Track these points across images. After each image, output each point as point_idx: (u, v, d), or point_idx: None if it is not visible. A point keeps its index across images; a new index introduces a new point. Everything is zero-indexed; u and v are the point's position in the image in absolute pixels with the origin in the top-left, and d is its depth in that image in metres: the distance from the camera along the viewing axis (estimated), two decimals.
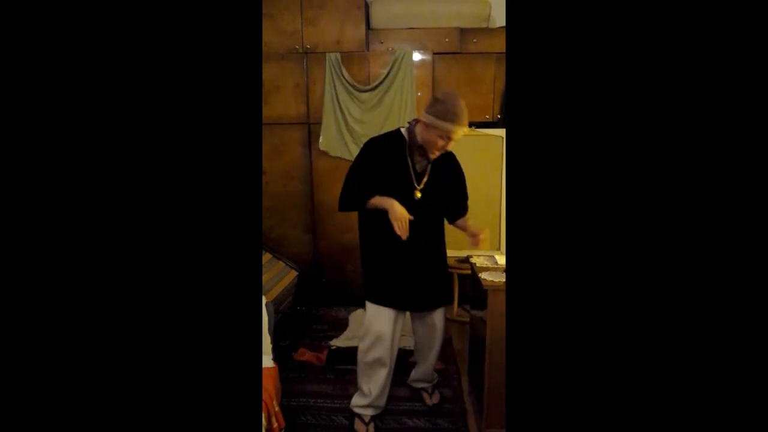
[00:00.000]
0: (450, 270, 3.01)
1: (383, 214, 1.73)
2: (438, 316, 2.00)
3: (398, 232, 1.69)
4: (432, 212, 1.86)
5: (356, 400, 2.01)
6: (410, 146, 1.81)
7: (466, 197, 1.99)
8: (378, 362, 1.91)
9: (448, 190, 1.90)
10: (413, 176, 1.81)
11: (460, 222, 1.97)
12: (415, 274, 1.87)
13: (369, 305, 1.91)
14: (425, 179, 1.83)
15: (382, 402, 2.00)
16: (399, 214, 1.69)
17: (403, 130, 1.85)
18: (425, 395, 2.19)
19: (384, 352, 1.89)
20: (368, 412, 1.99)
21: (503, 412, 1.86)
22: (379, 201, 1.76)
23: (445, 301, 2.02)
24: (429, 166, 1.83)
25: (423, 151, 1.77)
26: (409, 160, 1.81)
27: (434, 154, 1.76)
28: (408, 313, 2.00)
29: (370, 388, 1.95)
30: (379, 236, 1.84)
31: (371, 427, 1.98)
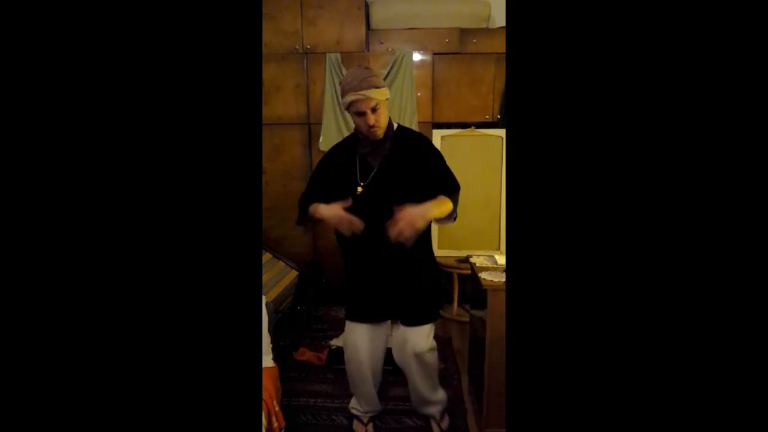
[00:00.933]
0: (449, 270, 3.03)
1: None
2: (413, 334, 1.70)
3: (342, 230, 1.52)
4: (382, 206, 1.53)
5: (353, 403, 2.02)
6: (360, 145, 1.65)
7: (445, 177, 1.66)
8: (358, 377, 1.87)
9: (408, 177, 1.62)
10: (357, 173, 1.64)
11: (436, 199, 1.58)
12: (382, 278, 1.67)
13: (346, 323, 1.83)
14: (373, 173, 1.63)
15: (376, 406, 1.99)
16: (333, 217, 1.53)
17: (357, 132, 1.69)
18: (433, 424, 1.95)
19: (360, 370, 1.82)
20: (366, 415, 2.00)
21: (503, 411, 1.86)
22: (313, 209, 1.62)
23: (424, 318, 1.71)
24: (383, 158, 1.63)
25: (368, 141, 1.61)
26: (357, 158, 1.65)
27: (373, 134, 1.57)
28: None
29: (359, 396, 1.96)
30: (344, 248, 1.74)
31: (370, 427, 1.98)
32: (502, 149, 3.10)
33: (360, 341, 1.77)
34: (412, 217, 1.44)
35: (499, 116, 3.13)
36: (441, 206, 1.54)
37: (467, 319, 2.89)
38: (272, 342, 1.82)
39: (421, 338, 1.71)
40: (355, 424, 1.98)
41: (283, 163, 3.23)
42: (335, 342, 2.76)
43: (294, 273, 3.06)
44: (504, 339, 1.79)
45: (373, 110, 1.53)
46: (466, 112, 3.15)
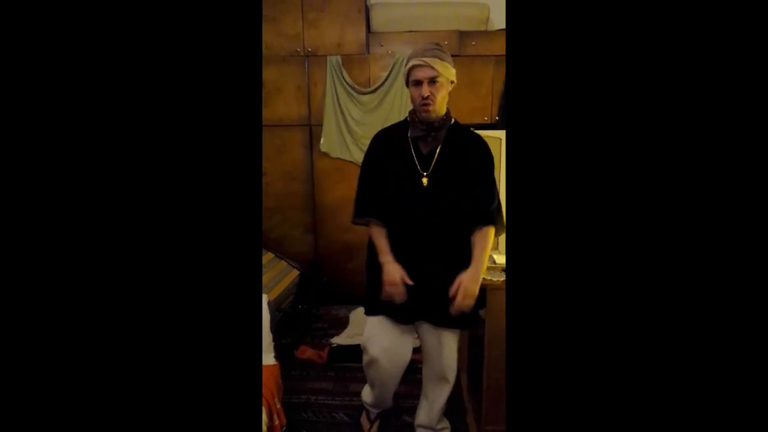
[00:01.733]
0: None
1: (387, 211, 1.53)
2: (446, 339, 1.59)
3: (386, 297, 1.45)
4: (446, 202, 1.49)
5: (364, 394, 1.94)
6: (412, 128, 1.53)
7: (493, 196, 1.53)
8: (378, 377, 1.71)
9: (466, 176, 1.50)
10: (416, 161, 1.50)
11: (476, 237, 1.51)
12: (422, 278, 1.51)
13: (367, 319, 1.65)
14: (433, 164, 1.50)
15: (388, 404, 1.91)
16: (391, 278, 1.44)
17: (408, 116, 1.59)
18: None
19: (382, 368, 1.64)
20: (374, 410, 1.95)
21: (502, 409, 1.88)
22: (379, 244, 1.53)
23: (461, 324, 1.58)
24: (438, 150, 1.51)
25: (424, 129, 1.50)
26: (410, 143, 1.53)
27: (425, 110, 1.45)
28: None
29: (373, 392, 1.86)
30: (372, 245, 1.61)
31: (375, 425, 1.94)
32: (501, 150, 3.12)
33: (390, 340, 1.58)
34: (466, 288, 1.43)
35: (497, 117, 3.15)
36: (486, 249, 1.49)
37: None
38: (274, 340, 1.85)
39: (451, 343, 1.60)
40: (363, 417, 1.95)
41: (284, 164, 3.25)
42: (336, 340, 2.78)
43: (295, 272, 3.08)
44: (503, 338, 1.81)
45: (431, 82, 1.42)
46: (465, 113, 3.17)
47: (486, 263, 1.51)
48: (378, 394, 1.81)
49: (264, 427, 1.55)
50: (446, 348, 1.62)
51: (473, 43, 3.10)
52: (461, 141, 1.54)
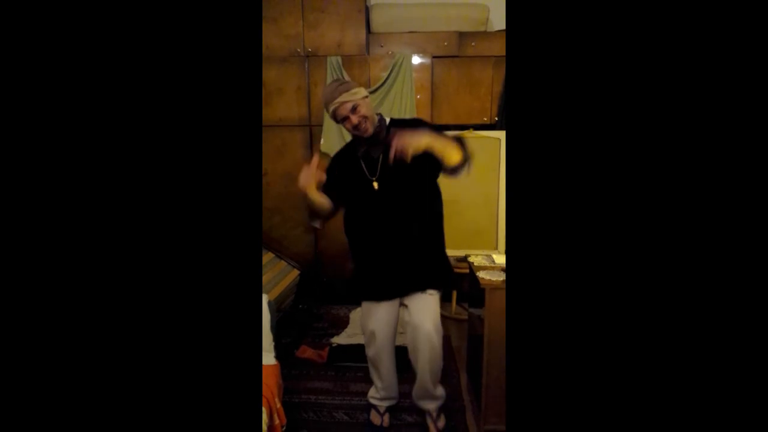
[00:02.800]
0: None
1: (349, 213, 1.80)
2: (424, 306, 1.77)
3: (306, 186, 1.62)
4: (399, 197, 1.71)
5: (371, 392, 2.06)
6: (359, 147, 1.76)
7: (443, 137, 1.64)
8: (377, 358, 1.93)
9: (415, 164, 1.58)
10: (365, 170, 1.74)
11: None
12: (392, 260, 1.75)
13: (362, 304, 1.92)
14: (379, 169, 1.72)
15: (394, 392, 2.02)
16: (302, 182, 1.63)
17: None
18: (429, 421, 1.95)
19: (378, 348, 1.89)
20: (383, 404, 2.03)
21: (501, 409, 1.89)
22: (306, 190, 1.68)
23: (433, 284, 1.79)
24: (382, 153, 1.70)
25: (369, 142, 1.70)
26: (360, 157, 1.75)
27: (364, 131, 1.66)
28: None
29: (379, 382, 2.00)
30: (351, 233, 1.85)
31: (386, 417, 2.02)
32: (500, 151, 3.13)
33: (375, 320, 1.85)
34: (404, 136, 1.47)
35: (497, 118, 3.16)
36: (440, 138, 1.55)
37: (465, 317, 2.93)
38: (274, 340, 1.86)
39: (430, 315, 1.76)
40: (372, 414, 2.03)
41: (284, 165, 3.26)
42: (336, 340, 2.79)
43: (295, 272, 3.09)
44: (502, 337, 1.82)
45: (353, 110, 1.63)
46: (464, 114, 3.19)
47: (433, 141, 1.52)
48: (382, 378, 1.97)
49: (264, 427, 1.56)
50: (419, 306, 1.78)
51: (473, 43, 3.11)
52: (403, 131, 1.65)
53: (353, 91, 1.63)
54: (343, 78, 1.79)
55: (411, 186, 1.71)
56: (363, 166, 1.75)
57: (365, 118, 1.65)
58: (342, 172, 1.79)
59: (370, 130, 1.67)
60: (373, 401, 2.05)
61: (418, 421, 2.04)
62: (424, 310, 1.77)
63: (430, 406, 1.94)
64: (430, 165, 1.63)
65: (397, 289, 1.81)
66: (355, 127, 1.65)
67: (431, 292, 1.79)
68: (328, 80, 3.10)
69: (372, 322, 1.86)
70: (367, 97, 1.67)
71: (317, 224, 1.91)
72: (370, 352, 1.94)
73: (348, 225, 1.85)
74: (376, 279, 1.82)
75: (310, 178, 1.62)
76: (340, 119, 1.67)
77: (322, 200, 1.74)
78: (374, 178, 1.73)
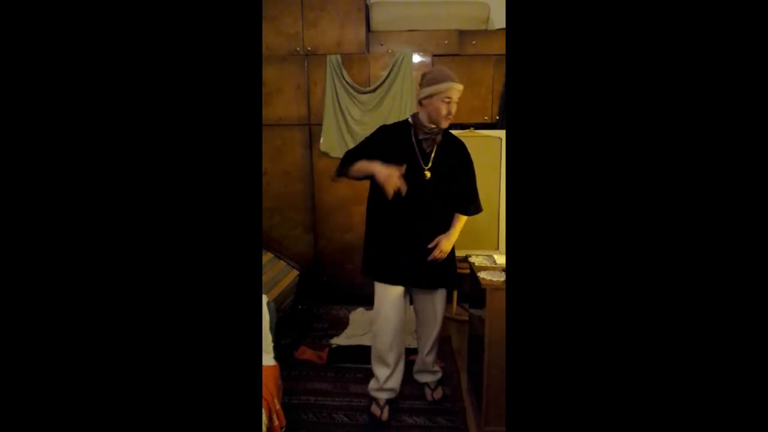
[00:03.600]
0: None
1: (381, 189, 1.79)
2: (438, 300, 2.02)
3: (389, 191, 1.74)
4: (441, 192, 1.90)
5: (371, 385, 2.08)
6: (416, 131, 1.88)
7: (472, 190, 1.98)
8: (385, 346, 1.97)
9: (455, 173, 1.92)
10: (420, 157, 1.87)
11: (457, 217, 1.95)
12: (418, 252, 1.90)
13: (377, 285, 1.97)
14: (431, 161, 1.88)
15: (395, 384, 2.04)
16: (385, 175, 1.74)
17: (409, 119, 1.93)
18: (427, 390, 2.21)
19: (391, 335, 1.96)
20: (383, 396, 2.04)
21: (502, 409, 1.88)
22: (365, 165, 1.81)
23: (447, 284, 2.03)
24: (435, 149, 1.88)
25: (428, 133, 1.86)
26: (415, 143, 1.88)
27: (444, 123, 1.82)
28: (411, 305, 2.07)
29: (381, 373, 2.02)
30: (387, 215, 1.90)
31: (386, 410, 2.03)
32: (501, 150, 3.12)
33: (392, 306, 1.95)
34: (442, 244, 1.89)
35: (497, 117, 3.15)
36: (459, 227, 1.95)
37: (466, 318, 2.92)
38: (273, 341, 1.84)
39: (442, 301, 2.04)
40: (373, 407, 2.05)
41: (284, 164, 3.25)
42: (336, 341, 2.78)
43: (295, 272, 3.08)
44: (503, 338, 1.81)
45: (452, 100, 1.79)
46: (465, 113, 3.16)
47: (457, 236, 1.94)
48: (391, 365, 2.01)
49: (263, 428, 1.55)
50: (433, 303, 2.03)
51: (473, 42, 3.10)
52: (449, 143, 1.93)
53: (458, 83, 1.79)
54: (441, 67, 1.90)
55: (450, 187, 1.92)
56: (417, 152, 1.88)
57: (451, 114, 1.82)
58: (394, 148, 1.87)
59: (446, 124, 1.85)
60: (373, 393, 2.07)
61: (418, 423, 2.03)
62: (436, 306, 2.02)
63: (429, 379, 2.21)
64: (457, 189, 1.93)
65: (415, 279, 1.95)
66: (447, 114, 1.80)
67: (441, 290, 2.01)
68: (328, 79, 3.09)
69: (390, 306, 1.95)
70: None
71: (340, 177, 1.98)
72: (383, 338, 1.98)
73: (382, 202, 1.85)
74: (406, 265, 1.91)
75: (397, 181, 1.75)
76: (444, 98, 1.78)
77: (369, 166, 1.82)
78: (427, 168, 1.87)
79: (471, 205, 1.97)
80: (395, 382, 2.04)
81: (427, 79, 1.81)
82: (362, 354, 2.57)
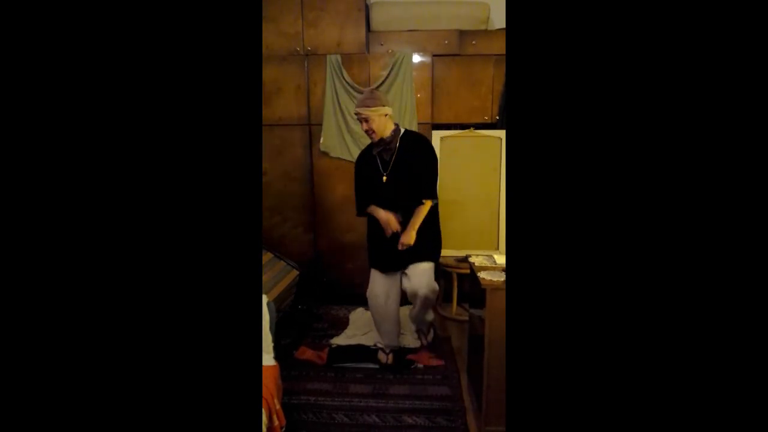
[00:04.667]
0: (449, 269, 3.06)
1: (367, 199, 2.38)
2: (415, 274, 2.42)
3: (387, 232, 2.33)
4: (402, 191, 2.34)
5: (375, 338, 2.64)
6: (374, 147, 2.39)
7: (430, 180, 2.37)
8: (379, 317, 2.54)
9: (414, 170, 2.34)
10: (380, 166, 2.39)
11: (416, 210, 2.34)
12: (391, 242, 2.35)
13: (371, 272, 2.54)
14: (390, 166, 2.37)
15: (394, 342, 2.57)
16: (384, 221, 2.34)
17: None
18: (421, 336, 2.70)
19: (378, 306, 2.51)
20: (387, 345, 2.54)
21: (502, 409, 1.88)
22: (373, 211, 2.39)
23: (422, 257, 2.41)
24: (394, 155, 2.35)
25: (380, 145, 2.34)
26: (375, 157, 2.39)
27: (370, 137, 2.34)
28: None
29: (380, 334, 2.58)
30: (370, 221, 2.46)
31: (390, 356, 2.51)
32: (501, 150, 3.12)
33: (380, 287, 2.50)
34: (403, 240, 2.32)
35: (498, 117, 3.15)
36: (420, 216, 2.35)
37: (466, 318, 2.92)
38: (273, 341, 1.84)
39: (419, 271, 2.41)
40: (379, 353, 2.53)
41: (284, 164, 3.25)
42: (336, 341, 2.78)
43: (295, 272, 3.07)
44: (503, 338, 1.81)
45: (366, 121, 2.29)
46: (465, 113, 3.17)
47: (418, 225, 2.33)
48: (384, 331, 2.57)
49: (263, 428, 1.55)
50: (417, 274, 2.42)
51: (473, 42, 3.10)
52: (410, 144, 2.38)
53: (373, 108, 2.25)
54: (370, 92, 2.37)
55: (410, 182, 2.34)
56: (378, 162, 2.39)
57: (372, 130, 2.30)
58: (363, 166, 2.45)
59: (377, 137, 2.32)
60: (378, 345, 2.58)
61: (417, 423, 2.04)
62: (420, 276, 2.40)
63: (422, 326, 2.68)
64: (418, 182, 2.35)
65: (400, 262, 2.42)
66: (365, 131, 2.33)
67: (426, 263, 2.41)
68: (328, 79, 3.09)
69: (376, 285, 2.51)
70: (387, 114, 2.30)
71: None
72: (375, 315, 2.57)
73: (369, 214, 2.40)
74: (384, 253, 2.43)
75: (394, 227, 2.31)
76: (358, 120, 2.33)
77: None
78: (385, 173, 2.37)
79: (430, 190, 2.37)
80: (389, 340, 2.56)
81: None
82: (362, 354, 2.57)
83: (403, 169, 2.33)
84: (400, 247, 2.30)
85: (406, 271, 2.44)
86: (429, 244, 2.44)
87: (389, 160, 2.36)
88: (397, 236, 2.33)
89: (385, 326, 2.55)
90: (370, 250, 2.55)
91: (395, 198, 2.35)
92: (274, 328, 1.85)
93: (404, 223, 2.35)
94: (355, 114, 2.31)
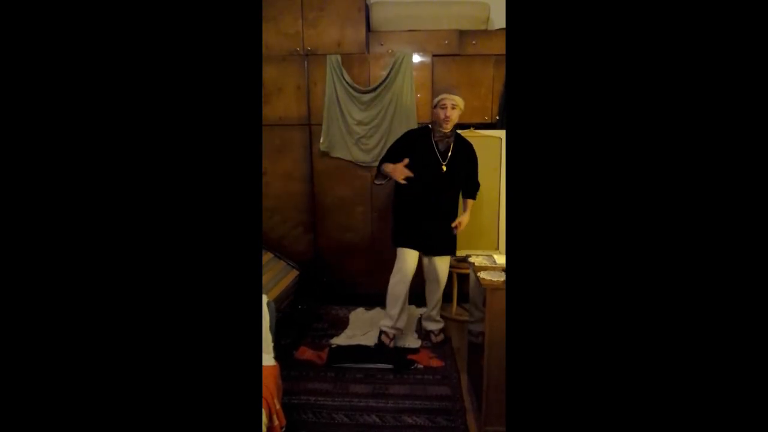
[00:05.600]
0: (449, 270, 3.06)
1: (415, 181, 2.47)
2: (442, 265, 2.68)
3: (399, 180, 2.46)
4: (454, 182, 2.58)
5: (383, 323, 2.71)
6: (434, 134, 2.55)
7: (476, 181, 2.68)
8: (402, 293, 2.64)
9: (465, 169, 2.60)
10: (438, 155, 2.54)
11: (467, 202, 2.65)
12: (433, 227, 2.57)
13: (399, 251, 2.65)
14: (448, 158, 2.54)
15: (402, 325, 2.69)
16: (391, 169, 2.50)
17: (429, 125, 2.62)
18: (432, 336, 2.81)
19: (406, 285, 2.64)
20: (392, 332, 2.68)
21: (502, 409, 1.88)
22: (386, 167, 2.55)
23: (450, 252, 2.70)
24: (450, 149, 2.54)
25: (442, 135, 2.51)
26: (434, 144, 2.54)
27: (445, 127, 2.47)
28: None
29: (394, 313, 2.65)
30: (410, 198, 2.58)
31: (394, 341, 2.70)
32: (501, 150, 3.12)
33: (410, 265, 2.64)
34: (462, 221, 2.58)
35: (498, 117, 3.15)
36: (471, 207, 2.68)
37: (466, 318, 2.92)
38: (273, 341, 1.84)
39: (446, 266, 2.72)
40: (383, 336, 2.69)
41: (284, 164, 3.25)
42: (336, 341, 2.78)
43: (295, 272, 3.08)
44: (503, 338, 1.81)
45: (452, 107, 2.44)
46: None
47: (469, 215, 2.63)
48: (397, 313, 2.66)
49: (263, 428, 1.55)
50: (440, 266, 2.70)
51: (473, 42, 3.10)
52: (462, 144, 2.62)
53: (460, 99, 2.47)
54: (449, 85, 2.60)
55: (462, 178, 2.61)
56: (437, 151, 2.55)
57: (449, 118, 2.46)
58: (415, 149, 2.54)
59: (448, 128, 2.49)
60: (384, 329, 2.70)
61: (417, 423, 2.04)
62: (445, 266, 2.71)
63: (433, 327, 2.82)
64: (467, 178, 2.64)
65: (430, 247, 2.64)
66: (444, 119, 2.46)
67: (449, 256, 2.71)
68: (328, 79, 3.08)
69: (408, 264, 2.64)
70: (462, 110, 2.51)
71: (380, 181, 2.75)
72: (399, 287, 2.67)
73: (406, 189, 2.53)
74: (422, 235, 2.60)
75: (403, 172, 2.45)
76: (440, 105, 2.47)
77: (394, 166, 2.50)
78: (444, 163, 2.53)
79: (475, 191, 2.69)
80: (402, 323, 2.69)
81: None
82: (362, 354, 2.57)
83: (458, 164, 2.55)
84: (455, 230, 2.56)
85: (435, 258, 2.67)
86: (455, 239, 2.68)
87: (446, 152, 2.54)
88: (433, 209, 2.57)
89: (401, 304, 2.67)
90: (398, 229, 2.68)
91: (450, 187, 2.56)
92: (274, 328, 1.85)
93: (443, 212, 2.57)
94: (441, 100, 2.44)
